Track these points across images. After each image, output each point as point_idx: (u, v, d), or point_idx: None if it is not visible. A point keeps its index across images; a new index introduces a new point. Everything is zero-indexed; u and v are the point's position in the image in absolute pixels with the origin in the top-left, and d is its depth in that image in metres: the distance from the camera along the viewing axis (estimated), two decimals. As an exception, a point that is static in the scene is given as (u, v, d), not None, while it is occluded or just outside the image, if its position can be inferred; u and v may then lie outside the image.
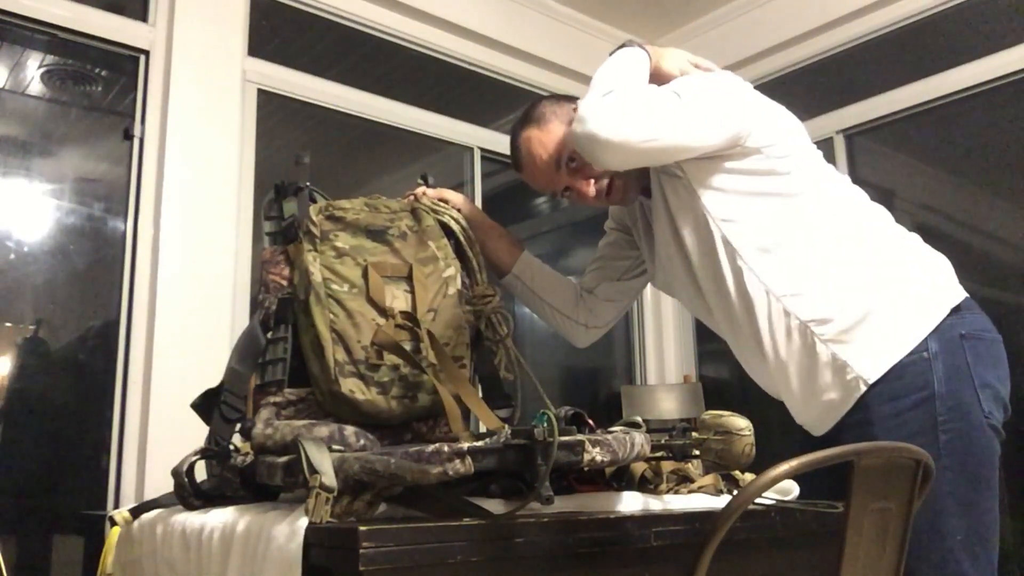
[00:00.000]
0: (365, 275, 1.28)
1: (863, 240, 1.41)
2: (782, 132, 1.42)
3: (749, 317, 1.40)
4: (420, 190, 1.56)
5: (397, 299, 1.29)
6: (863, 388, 1.34)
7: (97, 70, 2.57)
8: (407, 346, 1.23)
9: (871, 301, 1.36)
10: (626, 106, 1.32)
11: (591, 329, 1.72)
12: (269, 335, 1.29)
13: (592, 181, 1.50)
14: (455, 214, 1.49)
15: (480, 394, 1.38)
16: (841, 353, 1.35)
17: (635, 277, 1.74)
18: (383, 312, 1.26)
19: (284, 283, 1.32)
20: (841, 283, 1.37)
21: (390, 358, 1.23)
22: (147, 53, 2.58)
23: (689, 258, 1.46)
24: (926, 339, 1.34)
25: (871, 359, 1.35)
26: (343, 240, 1.31)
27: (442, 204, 1.51)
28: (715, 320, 1.50)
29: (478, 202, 3.18)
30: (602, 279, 1.73)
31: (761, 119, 1.40)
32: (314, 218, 1.31)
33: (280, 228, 1.37)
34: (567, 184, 1.52)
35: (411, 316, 1.26)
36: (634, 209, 1.66)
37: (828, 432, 1.41)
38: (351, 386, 1.21)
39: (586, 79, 3.61)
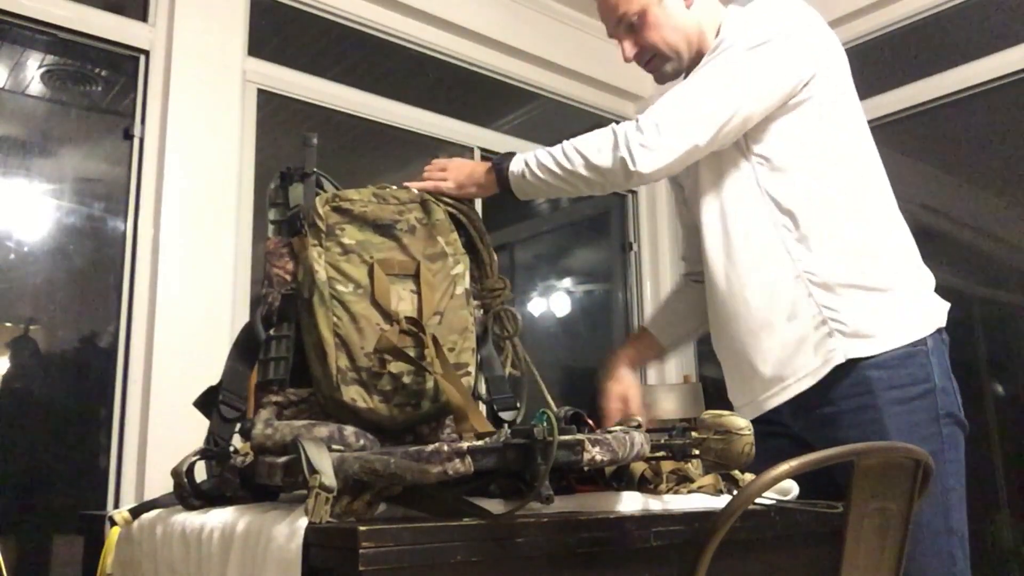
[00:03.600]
0: (371, 274, 1.27)
1: (891, 220, 1.45)
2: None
3: (751, 250, 1.42)
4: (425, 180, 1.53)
5: (403, 300, 1.27)
6: (842, 359, 1.36)
7: (97, 70, 2.57)
8: (411, 352, 1.22)
9: (894, 282, 1.39)
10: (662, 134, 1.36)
11: None
12: (272, 331, 1.28)
13: (633, 46, 1.53)
14: (465, 207, 1.48)
15: (485, 393, 1.37)
16: (833, 317, 1.38)
17: None
18: (388, 316, 1.24)
19: (288, 278, 1.30)
20: (859, 239, 1.40)
21: (393, 366, 1.22)
22: (147, 53, 2.58)
23: (712, 194, 1.48)
24: (925, 336, 1.38)
25: (866, 337, 1.37)
26: (349, 235, 1.28)
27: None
28: (705, 243, 1.50)
29: (478, 204, 3.17)
30: (698, 261, 1.68)
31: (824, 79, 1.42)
32: (320, 210, 1.28)
33: (285, 217, 1.34)
34: (615, 36, 1.56)
35: (415, 322, 1.24)
36: None
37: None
38: (353, 394, 1.20)
39: (586, 79, 3.65)
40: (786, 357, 1.40)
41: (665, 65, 1.54)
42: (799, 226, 1.40)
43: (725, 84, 1.38)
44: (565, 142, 1.42)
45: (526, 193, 1.46)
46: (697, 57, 1.51)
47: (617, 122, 1.40)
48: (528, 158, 1.44)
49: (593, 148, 1.38)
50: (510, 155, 1.46)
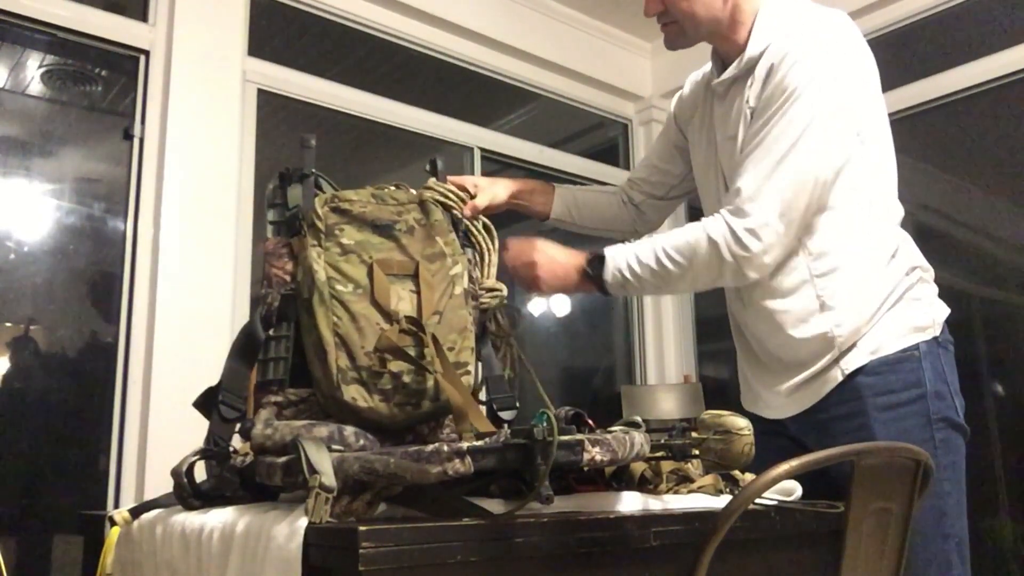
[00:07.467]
0: (370, 274, 1.27)
1: (894, 237, 1.43)
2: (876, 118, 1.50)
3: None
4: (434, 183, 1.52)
5: (403, 300, 1.27)
6: (841, 377, 1.37)
7: (97, 70, 2.57)
8: (411, 351, 1.22)
9: (888, 295, 1.38)
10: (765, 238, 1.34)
11: (644, 232, 1.76)
12: (271, 332, 1.28)
13: (660, 3, 1.46)
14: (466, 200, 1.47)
15: (485, 393, 1.37)
16: (837, 332, 1.37)
17: (680, 196, 1.74)
18: (387, 316, 1.25)
19: (287, 278, 1.30)
20: (868, 270, 1.39)
21: (393, 365, 1.22)
22: (147, 53, 2.59)
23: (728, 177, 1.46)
24: (918, 342, 1.38)
25: (860, 349, 1.37)
26: (348, 235, 1.28)
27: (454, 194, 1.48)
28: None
29: (478, 202, 3.18)
30: (647, 195, 1.74)
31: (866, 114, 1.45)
32: (319, 211, 1.28)
33: (284, 218, 1.34)
34: None
35: (416, 321, 1.25)
36: (697, 96, 1.61)
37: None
38: (353, 393, 1.20)
39: (586, 79, 3.66)
40: (803, 384, 1.43)
41: (681, 37, 1.49)
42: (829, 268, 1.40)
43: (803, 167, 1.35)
44: (659, 247, 1.40)
45: (627, 293, 1.47)
46: (722, 36, 1.46)
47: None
48: (623, 266, 1.42)
49: (702, 265, 1.37)
50: (601, 258, 1.44)
